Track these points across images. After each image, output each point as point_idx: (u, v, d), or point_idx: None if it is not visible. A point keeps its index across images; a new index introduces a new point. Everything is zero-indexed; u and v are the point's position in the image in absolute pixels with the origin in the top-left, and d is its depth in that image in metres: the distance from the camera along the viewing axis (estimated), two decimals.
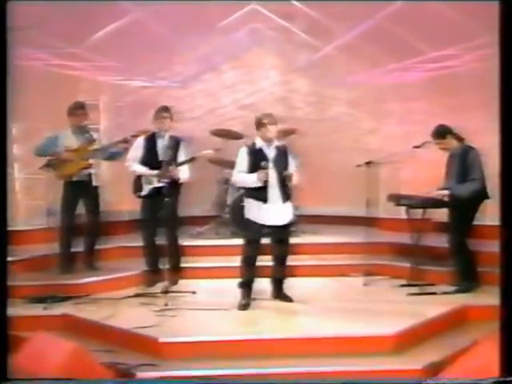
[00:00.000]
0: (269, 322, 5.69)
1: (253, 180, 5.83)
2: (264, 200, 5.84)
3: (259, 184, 5.73)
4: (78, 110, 6.82)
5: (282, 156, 5.96)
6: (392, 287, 6.69)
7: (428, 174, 7.73)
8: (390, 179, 8.11)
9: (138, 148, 6.43)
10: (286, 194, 5.96)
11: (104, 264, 7.03)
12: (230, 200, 8.21)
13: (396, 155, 7.09)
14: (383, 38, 7.81)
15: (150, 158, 6.36)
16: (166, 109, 6.44)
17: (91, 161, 6.82)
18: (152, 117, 6.41)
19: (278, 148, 5.95)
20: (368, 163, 6.69)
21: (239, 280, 6.00)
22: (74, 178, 6.76)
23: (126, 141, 6.56)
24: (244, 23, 8.78)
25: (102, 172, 7.82)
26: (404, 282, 6.70)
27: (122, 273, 6.81)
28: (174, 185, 6.34)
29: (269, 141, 5.86)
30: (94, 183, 6.86)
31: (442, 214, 6.55)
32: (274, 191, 5.86)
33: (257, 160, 5.81)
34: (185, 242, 6.94)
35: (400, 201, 6.64)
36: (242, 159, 5.89)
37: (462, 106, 8.10)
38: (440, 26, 7.22)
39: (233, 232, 7.99)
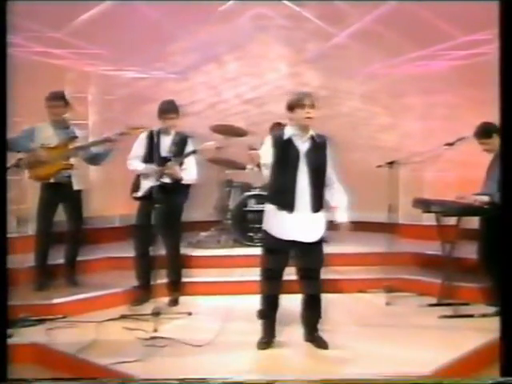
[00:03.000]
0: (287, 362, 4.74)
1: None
2: (290, 208, 4.68)
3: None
4: (56, 100, 6.06)
5: (319, 150, 4.79)
6: (420, 307, 5.99)
7: (455, 176, 7.64)
8: (411, 181, 7.91)
9: (140, 145, 5.97)
10: (319, 201, 4.78)
11: (87, 278, 6.39)
12: (232, 204, 7.79)
13: (420, 154, 6.59)
14: (404, 23, 7.42)
15: (154, 156, 5.89)
16: (173, 107, 5.94)
17: (72, 161, 6.10)
18: (157, 113, 5.92)
19: (313, 139, 4.78)
20: (391, 163, 6.13)
21: (258, 309, 4.98)
22: (52, 180, 6.04)
23: (109, 140, 5.95)
24: (248, 8, 8.57)
25: (92, 172, 7.58)
26: (433, 300, 6.05)
27: (108, 289, 6.11)
28: (179, 186, 5.88)
29: (305, 129, 4.73)
30: (76, 187, 6.15)
31: (474, 221, 5.92)
32: (304, 197, 4.70)
33: (284, 154, 4.71)
34: (182, 251, 6.34)
35: (430, 207, 5.97)
36: (266, 152, 4.77)
37: (492, 99, 7.34)
38: (470, 7, 6.65)
39: (235, 240, 7.54)
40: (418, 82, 8.55)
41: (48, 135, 6.08)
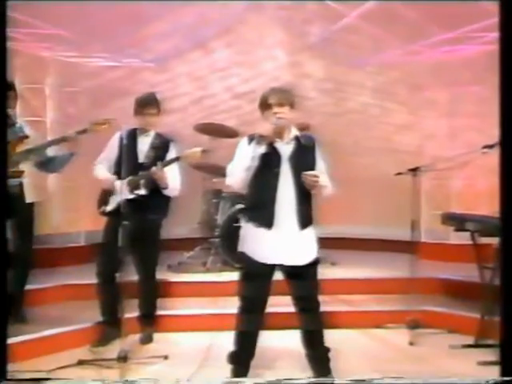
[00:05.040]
0: None
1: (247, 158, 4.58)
2: (268, 224, 4.55)
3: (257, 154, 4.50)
4: None
5: (306, 153, 4.69)
6: (452, 348, 5.71)
7: (486, 184, 7.50)
8: (434, 191, 8.09)
9: (112, 147, 5.87)
10: (307, 215, 4.67)
11: (38, 312, 6.10)
12: (220, 219, 7.60)
13: (446, 160, 6.76)
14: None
15: (127, 161, 5.61)
16: (153, 100, 5.87)
17: (23, 167, 5.83)
18: (134, 109, 5.84)
19: (298, 141, 4.70)
20: (413, 170, 6.01)
21: (230, 350, 4.81)
22: None
23: (67, 139, 5.70)
24: None
25: (50, 180, 7.49)
26: (469, 339, 5.78)
27: (63, 326, 5.83)
28: (156, 199, 5.78)
29: (282, 130, 4.64)
30: (28, 199, 5.88)
31: None
32: (287, 210, 4.58)
33: (262, 158, 4.58)
34: (159, 276, 6.23)
35: (464, 224, 5.81)
36: (241, 155, 4.68)
37: None
38: None
39: (224, 262, 7.37)
40: (443, 71, 8.41)
41: None
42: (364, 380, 4.34)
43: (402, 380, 4.38)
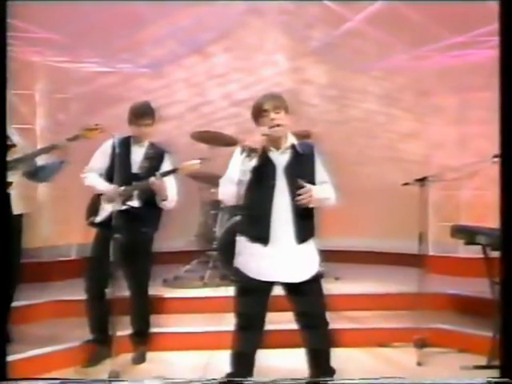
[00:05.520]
0: None
1: None
2: (264, 239, 4.49)
3: None
4: None
5: (304, 163, 4.62)
6: (463, 370, 5.54)
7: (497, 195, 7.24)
8: (442, 202, 8.09)
9: (103, 155, 5.85)
10: (306, 229, 4.59)
11: (25, 331, 6.01)
12: (219, 230, 7.56)
13: (455, 169, 6.86)
14: (435, 2, 7.18)
15: (120, 170, 5.68)
16: (148, 110, 5.86)
17: (10, 177, 5.67)
18: (128, 119, 5.83)
19: (294, 150, 4.60)
20: (421, 180, 5.98)
21: (227, 372, 4.70)
22: None
23: (57, 147, 5.65)
24: None
25: (41, 190, 7.55)
26: (481, 360, 5.62)
27: (51, 345, 5.75)
28: (149, 211, 5.79)
29: (278, 138, 4.55)
30: (16, 210, 5.74)
31: None
32: (283, 224, 4.51)
33: (256, 170, 4.50)
34: (154, 291, 6.28)
35: (475, 237, 5.74)
36: (232, 168, 4.63)
37: None
38: None
39: (223, 277, 7.32)
40: (451, 76, 8.36)
41: None
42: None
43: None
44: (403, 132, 9.02)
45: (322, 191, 4.51)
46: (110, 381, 4.57)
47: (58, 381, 4.43)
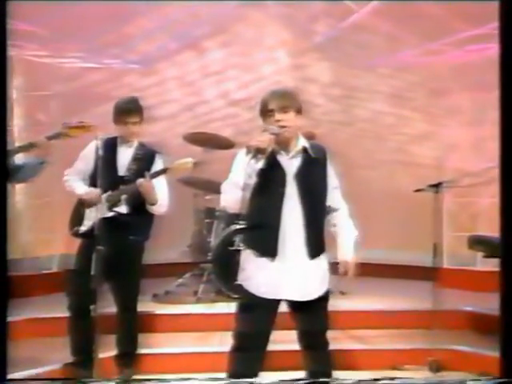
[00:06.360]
0: None
1: None
2: (271, 253, 4.40)
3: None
4: None
5: (316, 168, 4.50)
6: None
7: None
8: (457, 210, 8.09)
9: (86, 157, 5.82)
10: (318, 243, 4.49)
11: None
12: (214, 241, 7.51)
13: (471, 174, 6.86)
14: None
15: (106, 174, 5.55)
16: (136, 107, 5.81)
17: None
18: (113, 116, 5.80)
19: (306, 153, 4.50)
20: (435, 186, 5.93)
21: None
22: None
23: (36, 145, 5.50)
24: None
25: (18, 195, 7.58)
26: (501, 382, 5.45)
27: (29, 368, 5.63)
28: (139, 216, 5.74)
29: (287, 141, 4.43)
30: None
31: None
32: (294, 236, 4.43)
33: (263, 176, 4.39)
34: (143, 307, 6.20)
35: (496, 250, 5.54)
36: (236, 171, 4.49)
37: None
38: None
39: (218, 292, 7.28)
40: (467, 73, 8.30)
41: None
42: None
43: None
44: (414, 134, 8.97)
45: (349, 242, 4.57)
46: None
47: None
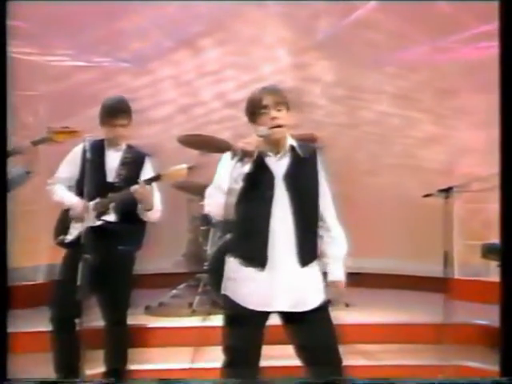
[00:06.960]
0: None
1: None
2: (260, 262, 4.30)
3: None
4: None
5: (306, 169, 4.43)
6: None
7: None
8: (467, 217, 8.06)
9: (71, 163, 5.79)
10: (310, 249, 4.38)
11: None
12: (210, 249, 7.37)
13: (482, 179, 6.52)
14: None
15: (93, 180, 5.48)
16: (124, 108, 5.77)
17: None
18: (99, 118, 5.75)
19: (295, 153, 4.41)
20: (446, 191, 5.86)
21: None
22: None
23: (19, 151, 5.42)
24: None
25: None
26: None
27: None
28: (129, 224, 5.68)
29: (272, 143, 4.34)
30: None
31: None
32: (283, 243, 4.33)
33: (250, 179, 4.31)
34: (135, 320, 6.23)
35: None
36: (220, 175, 4.48)
37: None
38: None
39: (214, 303, 6.98)
40: (478, 72, 8.13)
41: None
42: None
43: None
44: (422, 137, 8.94)
45: (338, 261, 4.45)
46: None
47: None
